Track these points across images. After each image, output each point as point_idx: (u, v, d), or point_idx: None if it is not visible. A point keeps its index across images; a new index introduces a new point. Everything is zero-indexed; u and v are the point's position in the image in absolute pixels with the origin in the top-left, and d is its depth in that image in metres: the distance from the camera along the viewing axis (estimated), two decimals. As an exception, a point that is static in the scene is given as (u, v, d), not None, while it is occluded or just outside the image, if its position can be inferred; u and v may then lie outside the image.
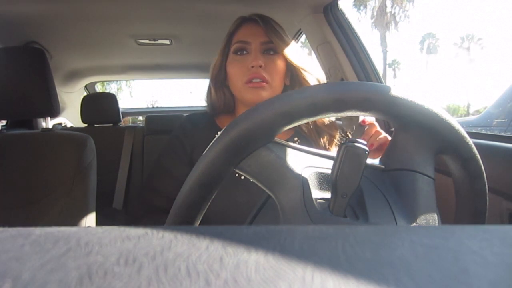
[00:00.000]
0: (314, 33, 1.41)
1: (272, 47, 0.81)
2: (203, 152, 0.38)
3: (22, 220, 0.98)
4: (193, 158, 0.81)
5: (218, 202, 0.49)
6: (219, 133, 0.83)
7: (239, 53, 0.82)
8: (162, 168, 0.83)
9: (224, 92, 0.86)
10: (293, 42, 0.84)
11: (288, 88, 0.86)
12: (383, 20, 32.33)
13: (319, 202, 0.38)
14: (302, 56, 0.84)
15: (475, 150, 0.42)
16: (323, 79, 0.85)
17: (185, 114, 2.25)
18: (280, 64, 0.81)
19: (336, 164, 0.35)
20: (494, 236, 0.19)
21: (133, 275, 0.14)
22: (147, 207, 0.81)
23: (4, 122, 1.90)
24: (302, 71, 0.82)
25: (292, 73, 0.84)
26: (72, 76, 2.36)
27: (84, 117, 2.06)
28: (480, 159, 0.42)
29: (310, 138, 0.85)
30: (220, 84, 0.86)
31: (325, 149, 0.84)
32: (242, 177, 0.79)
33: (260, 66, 0.78)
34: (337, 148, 0.37)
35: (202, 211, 0.38)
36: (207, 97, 0.89)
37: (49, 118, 1.09)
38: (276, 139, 0.39)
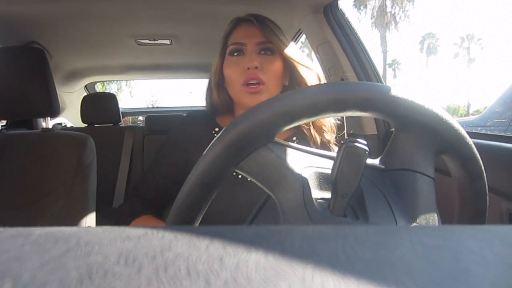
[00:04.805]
0: (314, 33, 1.41)
1: (269, 47, 0.80)
2: (201, 150, 0.38)
3: (22, 220, 0.98)
4: (190, 155, 0.82)
5: (218, 202, 0.49)
6: (216, 129, 0.84)
7: (235, 55, 0.81)
8: (156, 163, 0.87)
9: (223, 94, 0.86)
10: (289, 40, 0.83)
11: (288, 88, 0.84)
12: (383, 20, 32.32)
13: (319, 202, 0.38)
14: (300, 54, 0.83)
15: (475, 150, 0.41)
16: (322, 75, 0.85)
17: (185, 114, 2.26)
18: (277, 64, 0.80)
19: (336, 164, 0.35)
20: (494, 236, 0.19)
21: (133, 275, 0.14)
22: (134, 192, 0.87)
23: (4, 122, 1.90)
24: (300, 66, 0.80)
25: (291, 72, 0.83)
26: (72, 76, 2.36)
27: (84, 117, 2.06)
28: (480, 159, 0.42)
29: (309, 138, 0.85)
30: (219, 87, 0.86)
31: (325, 149, 0.84)
32: (240, 177, 0.79)
33: (256, 67, 0.77)
34: (337, 148, 0.37)
35: (202, 211, 0.38)
36: (207, 97, 0.89)
37: (49, 118, 1.09)
38: (276, 139, 0.39)
